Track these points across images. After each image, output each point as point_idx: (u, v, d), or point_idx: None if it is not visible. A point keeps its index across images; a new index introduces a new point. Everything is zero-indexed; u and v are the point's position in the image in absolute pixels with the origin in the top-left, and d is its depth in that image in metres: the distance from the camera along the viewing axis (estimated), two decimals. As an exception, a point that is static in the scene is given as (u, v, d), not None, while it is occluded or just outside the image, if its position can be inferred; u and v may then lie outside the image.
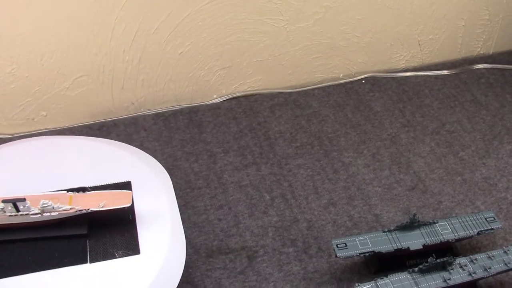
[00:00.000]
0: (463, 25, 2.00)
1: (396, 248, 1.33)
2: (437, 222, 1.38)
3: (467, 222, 1.39)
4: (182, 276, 1.25)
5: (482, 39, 2.06)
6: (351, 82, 1.97)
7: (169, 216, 1.31)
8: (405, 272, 1.26)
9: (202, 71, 1.83)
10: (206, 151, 1.71)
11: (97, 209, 1.23)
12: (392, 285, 1.23)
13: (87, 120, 1.81)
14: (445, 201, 1.56)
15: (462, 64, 2.04)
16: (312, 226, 1.50)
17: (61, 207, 1.23)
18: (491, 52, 2.10)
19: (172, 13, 1.68)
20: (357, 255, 1.32)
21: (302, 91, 1.94)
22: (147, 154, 1.53)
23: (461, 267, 1.27)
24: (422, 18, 1.93)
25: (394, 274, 1.25)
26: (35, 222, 1.23)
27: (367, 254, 1.32)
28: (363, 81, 1.98)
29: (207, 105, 1.88)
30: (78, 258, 1.21)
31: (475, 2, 1.95)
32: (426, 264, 1.25)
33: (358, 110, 1.86)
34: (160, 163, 1.50)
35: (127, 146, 1.56)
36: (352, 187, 1.61)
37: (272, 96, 1.91)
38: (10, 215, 1.21)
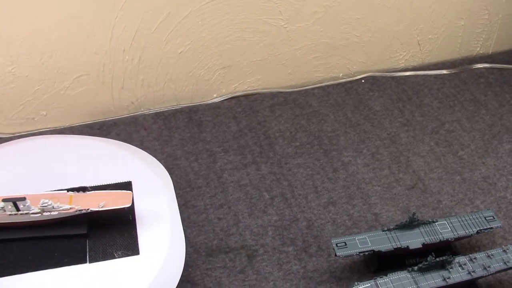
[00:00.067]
0: (463, 25, 2.00)
1: (395, 247, 1.33)
2: (437, 221, 1.38)
3: (466, 221, 1.39)
4: (182, 275, 1.25)
5: (482, 39, 2.06)
6: (350, 82, 1.97)
7: (169, 217, 1.31)
8: (405, 271, 1.26)
9: (202, 70, 1.83)
10: (206, 150, 1.71)
11: (97, 209, 1.23)
12: (392, 284, 1.24)
13: (87, 120, 1.81)
14: (444, 200, 1.56)
15: (461, 64, 2.04)
16: (311, 225, 1.51)
17: (61, 207, 1.23)
18: (490, 52, 2.10)
19: (172, 12, 1.68)
20: (356, 254, 1.32)
21: (302, 90, 1.94)
22: (148, 154, 1.53)
23: (460, 266, 1.27)
24: (422, 18, 1.93)
25: (393, 273, 1.26)
26: (35, 221, 1.23)
27: (366, 253, 1.33)
28: (363, 81, 1.98)
29: (207, 104, 1.88)
30: (77, 258, 1.21)
31: (475, 2, 1.95)
32: (426, 263, 1.25)
33: (358, 109, 1.86)
34: (160, 162, 1.50)
35: (128, 146, 1.56)
36: (351, 186, 1.61)
37: (272, 95, 1.91)
38: (10, 214, 1.22)
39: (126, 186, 1.35)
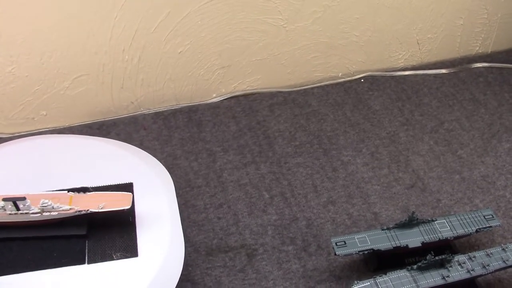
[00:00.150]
0: (462, 24, 2.00)
1: (395, 246, 1.33)
2: (436, 220, 1.39)
3: (465, 220, 1.39)
4: (182, 274, 1.25)
5: (481, 38, 2.06)
6: (350, 81, 1.98)
7: (169, 219, 1.31)
8: (404, 270, 1.26)
9: (201, 70, 1.83)
10: (205, 150, 1.72)
11: (97, 210, 1.23)
12: (391, 282, 1.24)
13: (87, 120, 1.81)
14: (443, 199, 1.57)
15: (460, 63, 2.05)
16: (311, 225, 1.51)
17: (61, 207, 1.23)
18: (489, 51, 2.10)
19: (171, 12, 1.69)
20: (356, 253, 1.32)
21: (301, 90, 1.94)
22: (150, 154, 1.53)
23: (459, 264, 1.28)
24: (421, 17, 1.94)
25: (393, 272, 1.26)
26: (34, 221, 1.24)
27: (366, 252, 1.33)
28: (362, 80, 1.98)
29: (206, 104, 1.88)
30: (76, 259, 1.21)
31: (474, 1, 1.95)
32: (425, 262, 1.26)
33: (357, 109, 1.86)
34: (159, 162, 1.51)
35: (128, 146, 1.55)
36: (351, 185, 1.61)
37: (271, 95, 1.92)
38: (10, 214, 1.22)
39: (128, 187, 1.35)
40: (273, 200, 1.57)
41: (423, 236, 1.35)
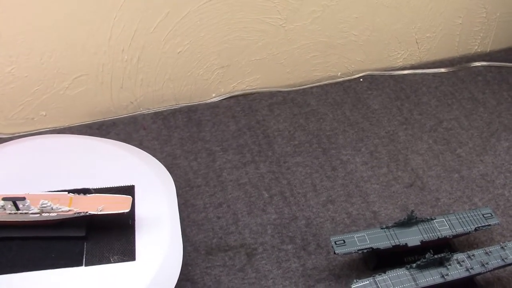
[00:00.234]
0: (460, 23, 2.00)
1: (394, 244, 1.33)
2: (435, 219, 1.39)
3: (464, 218, 1.39)
4: (182, 273, 1.26)
5: (480, 37, 2.07)
6: (349, 81, 1.98)
7: (169, 224, 1.30)
8: (403, 268, 1.27)
9: (200, 70, 1.84)
10: (205, 149, 1.72)
11: (95, 213, 1.23)
12: (390, 281, 1.24)
13: (87, 120, 1.81)
14: (442, 198, 1.57)
15: (459, 62, 2.05)
16: (310, 224, 1.51)
17: (60, 208, 1.23)
18: (488, 50, 2.11)
19: (170, 12, 1.69)
20: (355, 252, 1.33)
21: (301, 89, 1.94)
22: (150, 155, 1.52)
23: (458, 263, 1.28)
24: (419, 16, 1.94)
25: (392, 270, 1.26)
26: (34, 221, 1.24)
27: (365, 251, 1.33)
28: (361, 79, 1.98)
29: (206, 104, 1.89)
30: (73, 260, 1.21)
31: (472, 0, 1.95)
32: (424, 260, 1.26)
33: (356, 108, 1.87)
34: (159, 161, 1.51)
35: (129, 146, 1.55)
36: (350, 184, 1.61)
37: (271, 94, 1.92)
38: (10, 213, 1.22)
39: (129, 190, 1.34)
40: (273, 199, 1.57)
41: (422, 235, 1.35)
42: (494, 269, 1.29)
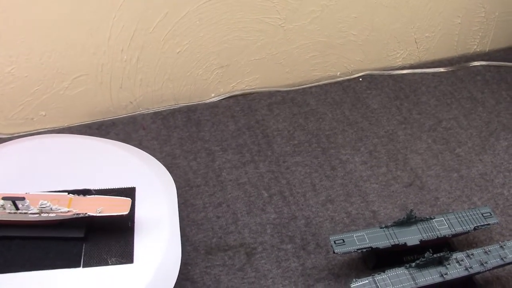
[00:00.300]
0: (459, 23, 2.01)
1: (393, 243, 1.34)
2: (434, 218, 1.39)
3: (463, 217, 1.40)
4: (182, 273, 1.26)
5: (478, 37, 2.07)
6: (348, 80, 1.98)
7: (168, 227, 1.29)
8: (402, 267, 1.27)
9: (200, 70, 1.84)
10: (204, 149, 1.72)
11: (94, 214, 1.22)
12: (389, 280, 1.24)
13: (86, 120, 1.82)
14: (442, 197, 1.57)
15: (458, 62, 2.05)
16: (310, 223, 1.51)
17: (59, 209, 1.23)
18: (487, 50, 2.11)
19: (169, 12, 1.69)
20: (354, 251, 1.33)
21: (300, 89, 1.95)
22: (151, 155, 1.52)
23: (457, 262, 1.28)
24: (418, 16, 1.94)
25: (391, 270, 1.27)
26: (33, 221, 1.24)
27: (364, 250, 1.33)
28: (360, 79, 1.99)
29: (205, 103, 1.89)
30: (71, 261, 1.21)
31: (471, 0, 1.96)
32: (423, 259, 1.26)
33: (355, 107, 1.87)
34: (159, 161, 1.51)
35: (129, 147, 1.54)
36: (349, 184, 1.62)
37: (270, 94, 1.92)
38: (9, 213, 1.22)
39: (130, 191, 1.33)
40: (272, 199, 1.58)
41: (421, 234, 1.36)
42: (493, 268, 1.29)
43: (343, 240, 1.34)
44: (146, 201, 1.32)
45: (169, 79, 1.82)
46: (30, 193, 1.26)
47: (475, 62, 2.04)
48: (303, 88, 1.95)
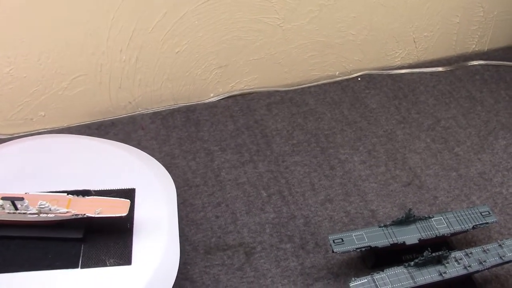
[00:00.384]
0: (458, 22, 2.01)
1: (392, 242, 1.34)
2: (433, 217, 1.39)
3: (462, 216, 1.40)
4: (181, 272, 1.26)
5: (477, 36, 2.07)
6: (347, 80, 1.98)
7: (167, 229, 1.29)
8: (401, 266, 1.27)
9: (198, 70, 1.84)
10: (203, 149, 1.72)
11: (93, 215, 1.23)
12: (388, 279, 1.24)
13: (85, 120, 1.82)
14: (440, 196, 1.57)
15: (457, 61, 2.05)
16: (309, 222, 1.51)
17: (58, 210, 1.23)
18: (485, 49, 2.11)
19: (168, 12, 1.69)
20: (353, 250, 1.33)
21: (299, 89, 1.95)
22: (150, 156, 1.52)
23: (456, 260, 1.28)
24: (417, 16, 1.94)
25: (390, 269, 1.27)
26: (32, 221, 1.24)
27: (363, 249, 1.33)
28: (359, 79, 1.99)
29: (204, 103, 1.89)
30: (70, 262, 1.21)
31: (469, -1, 1.96)
32: (422, 258, 1.26)
33: (354, 107, 1.87)
34: (158, 161, 1.51)
35: (128, 147, 1.54)
36: (348, 183, 1.62)
37: (269, 94, 1.92)
38: (8, 213, 1.22)
39: (129, 193, 1.33)
40: (271, 198, 1.58)
41: (420, 233, 1.36)
42: (492, 266, 1.29)
43: (342, 239, 1.34)
44: (146, 202, 1.32)
45: (168, 79, 1.83)
46: (29, 193, 1.26)
47: (474, 62, 2.05)
48: (301, 88, 1.95)
